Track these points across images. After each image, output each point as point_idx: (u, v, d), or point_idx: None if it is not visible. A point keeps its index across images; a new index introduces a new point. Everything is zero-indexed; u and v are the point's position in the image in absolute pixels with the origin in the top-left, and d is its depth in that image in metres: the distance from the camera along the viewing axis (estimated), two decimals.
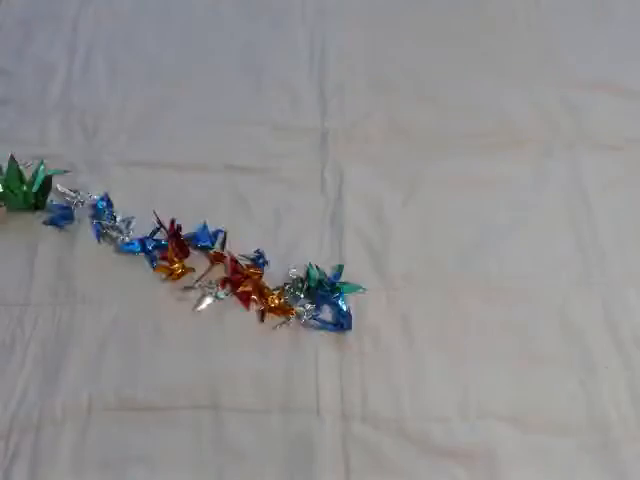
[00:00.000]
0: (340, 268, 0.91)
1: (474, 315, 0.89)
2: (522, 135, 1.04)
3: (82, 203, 0.98)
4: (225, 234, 0.94)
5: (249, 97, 1.10)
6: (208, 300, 0.90)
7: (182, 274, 0.91)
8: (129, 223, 0.96)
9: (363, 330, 0.88)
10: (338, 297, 0.88)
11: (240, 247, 0.93)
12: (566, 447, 0.80)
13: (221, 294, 0.90)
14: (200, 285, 0.91)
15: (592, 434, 0.81)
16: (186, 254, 0.92)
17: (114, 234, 0.95)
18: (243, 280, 0.89)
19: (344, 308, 0.88)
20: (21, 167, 0.96)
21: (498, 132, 1.04)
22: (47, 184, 0.97)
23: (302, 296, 0.90)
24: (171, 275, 0.91)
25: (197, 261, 0.93)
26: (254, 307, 0.89)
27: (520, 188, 0.99)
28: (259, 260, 0.92)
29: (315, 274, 0.90)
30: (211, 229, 0.94)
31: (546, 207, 0.97)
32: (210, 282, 0.91)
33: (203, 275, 0.92)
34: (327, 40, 1.15)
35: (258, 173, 1.02)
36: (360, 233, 0.95)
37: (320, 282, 0.89)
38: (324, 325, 0.88)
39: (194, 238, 0.93)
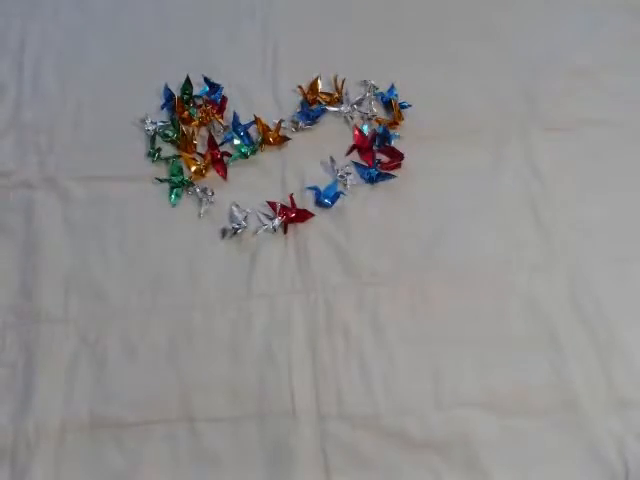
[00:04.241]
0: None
1: (441, 304, 0.90)
2: (477, 123, 1.04)
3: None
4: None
5: None
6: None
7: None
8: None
9: (334, 328, 0.88)
10: None
11: None
12: (540, 427, 0.82)
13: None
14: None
15: (564, 413, 0.83)
16: None
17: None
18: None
19: None
20: None
21: (453, 121, 1.05)
22: None
23: None
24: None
25: None
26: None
27: (478, 175, 1.00)
28: None
29: None
30: None
31: (504, 192, 0.98)
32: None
33: None
34: (279, 41, 1.15)
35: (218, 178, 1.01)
36: (324, 232, 0.96)
37: None
38: None
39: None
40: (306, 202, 0.98)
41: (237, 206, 0.97)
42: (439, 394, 0.84)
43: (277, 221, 0.95)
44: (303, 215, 0.96)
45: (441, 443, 0.81)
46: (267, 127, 1.03)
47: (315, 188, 0.98)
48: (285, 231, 0.95)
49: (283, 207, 0.96)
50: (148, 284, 0.92)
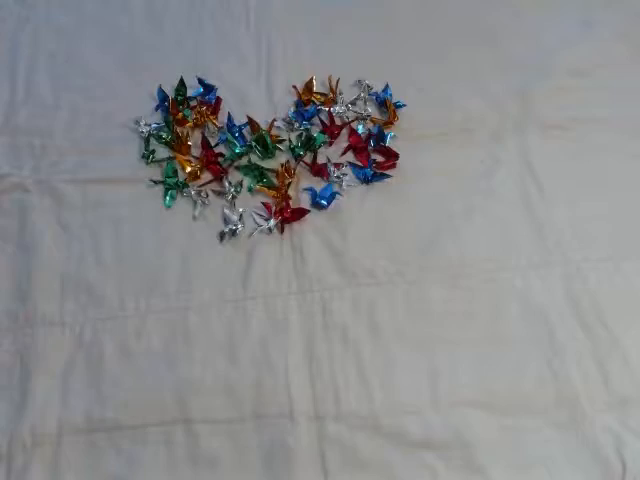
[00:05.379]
0: None
1: (438, 304, 0.90)
2: (472, 122, 1.05)
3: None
4: None
5: None
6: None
7: None
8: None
9: (330, 328, 0.88)
10: None
11: None
12: (538, 426, 0.82)
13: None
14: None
15: (562, 411, 0.83)
16: None
17: None
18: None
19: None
20: None
21: (448, 121, 1.05)
22: None
23: None
24: None
25: None
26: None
27: (473, 175, 1.00)
28: None
29: None
30: None
31: (499, 191, 0.98)
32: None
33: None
34: (273, 41, 1.15)
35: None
36: (320, 232, 0.95)
37: None
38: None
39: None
40: (302, 203, 0.98)
41: (228, 208, 0.97)
42: (437, 394, 0.83)
43: (272, 222, 0.95)
44: (299, 213, 0.96)
45: (439, 443, 0.81)
46: (259, 126, 1.03)
47: (311, 189, 0.98)
48: (282, 231, 0.95)
49: (278, 207, 0.96)
50: (144, 286, 0.91)
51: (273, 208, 0.96)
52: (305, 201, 0.98)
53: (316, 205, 0.97)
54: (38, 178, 1.01)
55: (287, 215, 0.95)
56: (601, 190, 0.99)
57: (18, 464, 0.80)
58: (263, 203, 0.97)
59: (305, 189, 0.99)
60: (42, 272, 0.92)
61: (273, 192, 0.98)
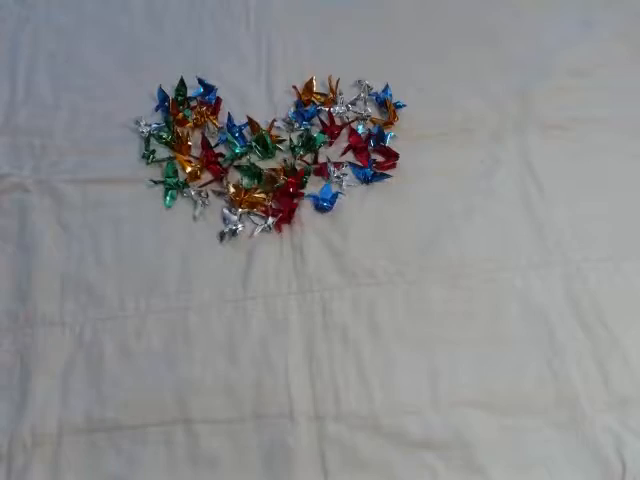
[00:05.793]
0: None
1: (438, 304, 0.90)
2: (472, 122, 1.05)
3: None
4: None
5: None
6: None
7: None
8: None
9: (330, 328, 0.88)
10: None
11: None
12: (538, 426, 0.82)
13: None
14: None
15: (562, 411, 0.83)
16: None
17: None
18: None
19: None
20: None
21: (448, 121, 1.05)
22: None
23: None
24: None
25: None
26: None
27: (473, 175, 1.00)
28: None
29: None
30: None
31: (499, 191, 0.99)
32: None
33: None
34: (273, 41, 1.15)
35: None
36: (320, 233, 0.95)
37: None
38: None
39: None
40: (305, 207, 0.98)
41: (228, 208, 0.97)
42: (437, 394, 0.83)
43: (271, 219, 0.95)
44: (290, 210, 0.96)
45: (439, 443, 0.81)
46: (259, 126, 1.03)
47: (313, 196, 0.98)
48: (279, 229, 0.95)
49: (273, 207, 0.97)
50: (144, 286, 0.91)
51: (269, 209, 0.96)
52: (307, 206, 0.98)
53: (320, 209, 0.97)
54: (38, 178, 1.01)
55: (279, 215, 0.95)
56: (601, 190, 0.99)
57: (18, 464, 0.80)
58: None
59: (307, 196, 0.98)
60: (42, 272, 0.92)
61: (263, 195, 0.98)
